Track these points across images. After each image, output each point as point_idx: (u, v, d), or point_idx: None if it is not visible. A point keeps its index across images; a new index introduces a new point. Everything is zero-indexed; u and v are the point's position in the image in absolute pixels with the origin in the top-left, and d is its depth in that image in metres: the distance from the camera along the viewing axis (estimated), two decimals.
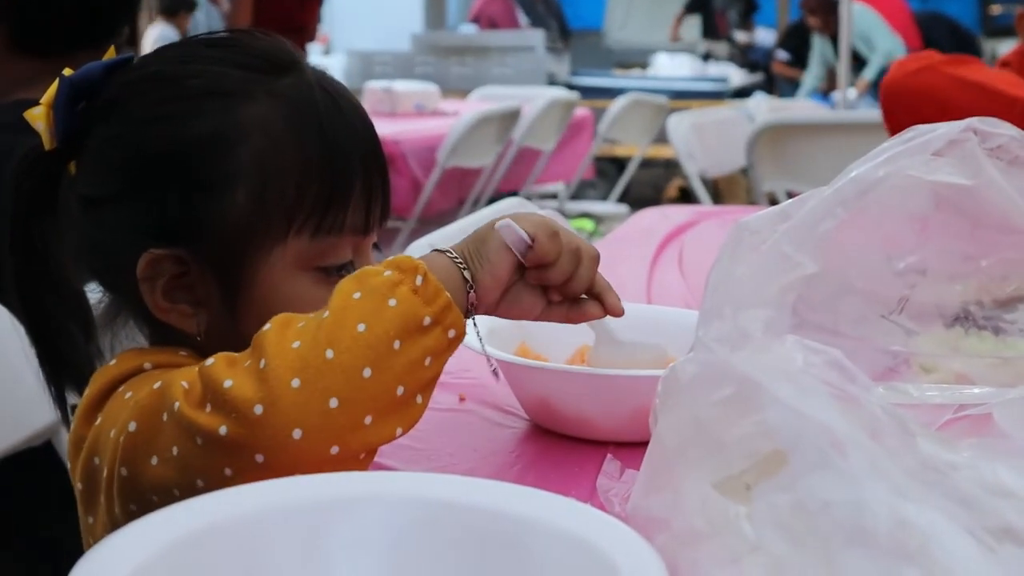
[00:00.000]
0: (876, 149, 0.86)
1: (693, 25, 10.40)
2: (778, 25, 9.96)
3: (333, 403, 0.74)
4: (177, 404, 0.76)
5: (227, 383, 0.74)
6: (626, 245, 2.02)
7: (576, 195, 5.83)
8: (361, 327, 0.76)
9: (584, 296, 0.93)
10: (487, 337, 1.03)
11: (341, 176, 0.89)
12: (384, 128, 2.16)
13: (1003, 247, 0.91)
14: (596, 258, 0.92)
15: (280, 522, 0.64)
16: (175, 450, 0.76)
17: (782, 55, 8.65)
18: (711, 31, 10.27)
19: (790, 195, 2.92)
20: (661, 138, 5.29)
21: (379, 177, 0.92)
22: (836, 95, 5.73)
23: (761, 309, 0.75)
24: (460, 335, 0.81)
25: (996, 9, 10.67)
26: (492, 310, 0.89)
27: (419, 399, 0.78)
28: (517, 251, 0.87)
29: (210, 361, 0.77)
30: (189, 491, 0.75)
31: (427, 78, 6.11)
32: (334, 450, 0.74)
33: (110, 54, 0.93)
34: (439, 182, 4.06)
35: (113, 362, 0.87)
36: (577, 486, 0.92)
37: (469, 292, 0.85)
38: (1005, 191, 0.86)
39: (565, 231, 0.90)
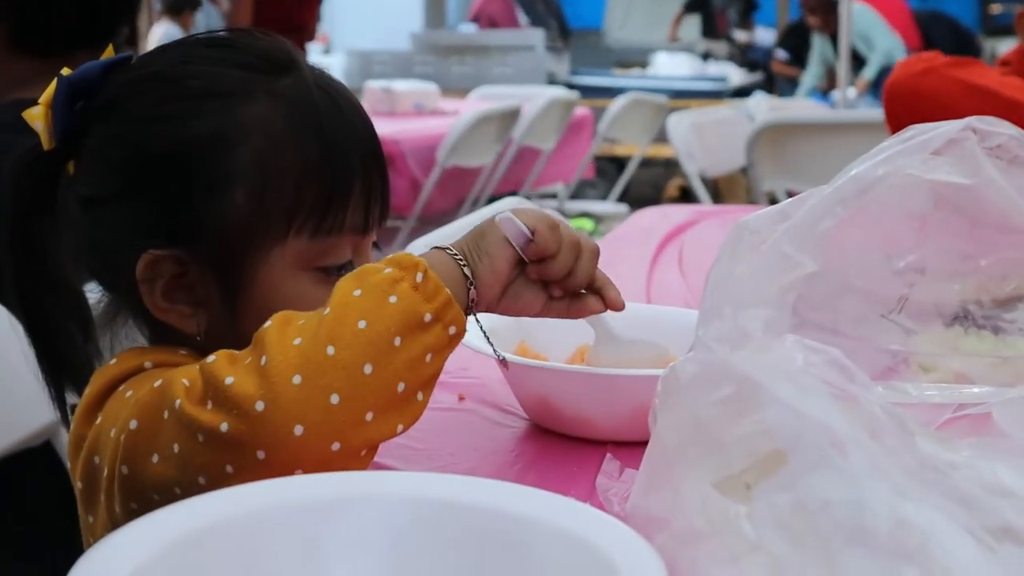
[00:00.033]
0: (875, 148, 0.86)
1: (693, 24, 10.40)
2: (778, 24, 9.96)
3: (334, 399, 0.74)
4: (178, 401, 0.76)
5: (228, 380, 0.74)
6: (626, 244, 2.02)
7: (576, 194, 5.83)
8: (362, 324, 0.76)
9: (584, 292, 0.93)
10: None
11: (340, 176, 0.89)
12: (384, 127, 2.16)
13: (1002, 246, 0.91)
14: (596, 252, 0.92)
15: (280, 522, 0.64)
16: (176, 447, 0.76)
17: (781, 54, 8.65)
18: (711, 30, 10.27)
19: (790, 194, 2.92)
20: (661, 137, 5.29)
21: (378, 177, 0.92)
22: (836, 94, 5.73)
23: (761, 308, 0.75)
24: (461, 332, 0.81)
25: (996, 8, 10.67)
26: (493, 306, 0.89)
27: (420, 396, 0.78)
28: (517, 245, 0.87)
29: (211, 358, 0.77)
30: (190, 489, 0.75)
31: (427, 77, 6.11)
32: (335, 446, 0.74)
33: (108, 53, 0.93)
34: (439, 181, 4.06)
35: (113, 361, 0.87)
36: (577, 485, 0.92)
37: (469, 289, 0.85)
38: (1004, 190, 0.86)
39: (564, 225, 0.90)
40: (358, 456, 0.76)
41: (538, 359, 1.09)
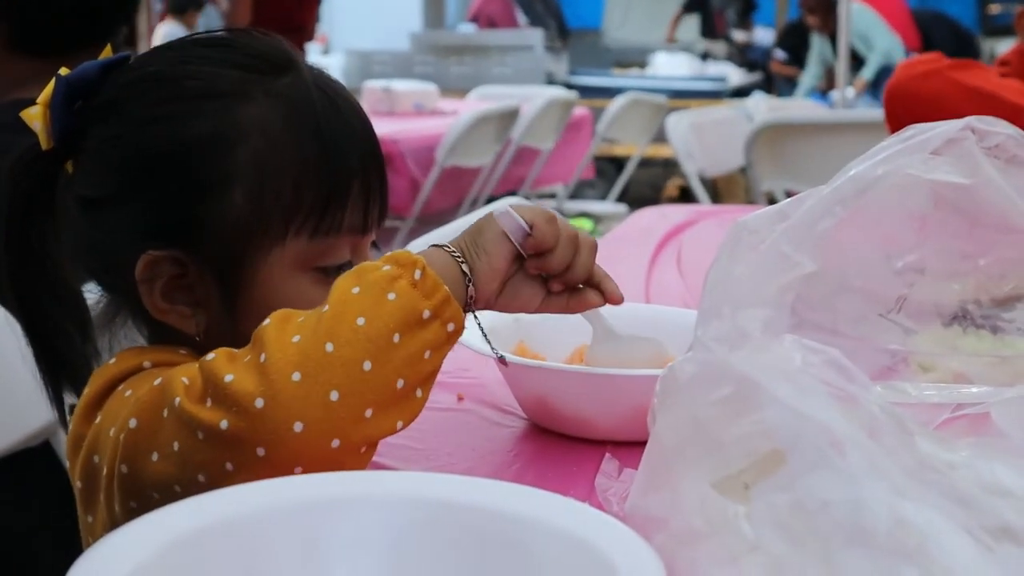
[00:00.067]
0: (874, 148, 0.86)
1: (692, 24, 10.40)
2: (776, 24, 9.96)
3: (334, 396, 0.74)
4: (178, 399, 0.76)
5: (228, 377, 0.74)
6: (625, 244, 2.02)
7: (575, 194, 5.83)
8: (361, 321, 0.76)
9: (582, 286, 0.93)
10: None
11: (339, 176, 0.89)
12: (383, 127, 2.16)
13: (1001, 246, 0.91)
14: (594, 246, 0.92)
15: (280, 522, 0.64)
16: (176, 445, 0.76)
17: (780, 54, 8.65)
18: (709, 30, 10.27)
19: (789, 194, 2.92)
20: (660, 137, 5.30)
21: (377, 177, 0.92)
22: (834, 94, 5.73)
23: (760, 308, 0.75)
24: (459, 329, 0.81)
25: (995, 8, 10.66)
26: (491, 303, 0.89)
27: (419, 392, 0.78)
28: (515, 239, 0.88)
29: (210, 356, 0.77)
30: (190, 487, 0.75)
31: (426, 77, 6.11)
32: (335, 443, 0.74)
33: (106, 53, 0.93)
34: (438, 181, 4.06)
35: (112, 361, 0.87)
36: (575, 485, 0.92)
37: (468, 286, 0.85)
38: (1003, 190, 0.86)
39: (562, 219, 0.91)
40: (358, 453, 0.76)
41: (537, 359, 1.09)
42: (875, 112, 3.38)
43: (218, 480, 0.74)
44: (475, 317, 0.88)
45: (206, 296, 0.89)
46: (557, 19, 9.26)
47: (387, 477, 0.76)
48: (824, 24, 7.39)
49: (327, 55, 9.73)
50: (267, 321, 0.77)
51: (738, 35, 10.20)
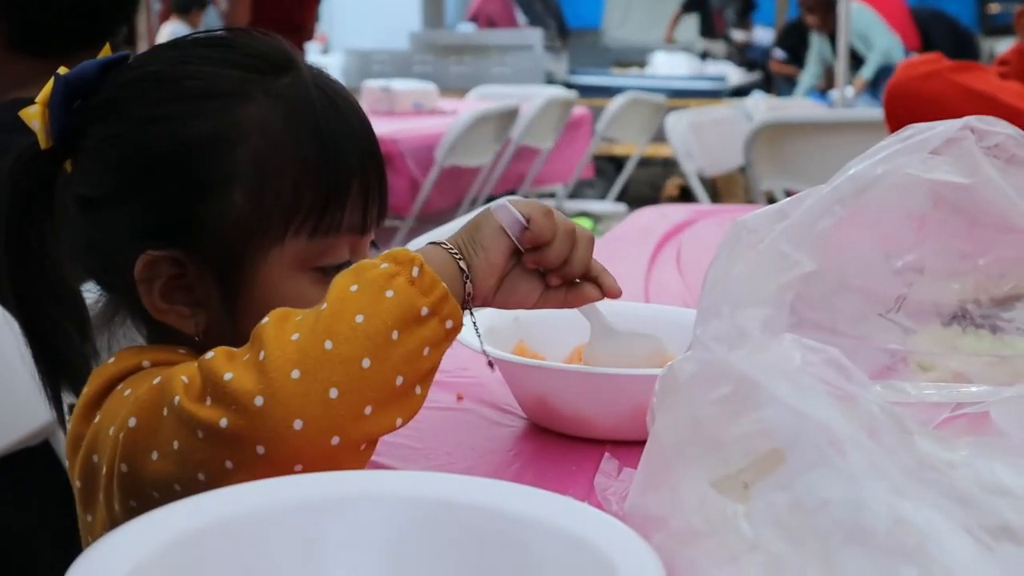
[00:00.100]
0: (874, 147, 0.86)
1: (691, 24, 10.40)
2: (776, 24, 9.96)
3: (333, 393, 0.74)
4: (177, 398, 0.76)
5: (227, 376, 0.74)
6: (624, 244, 2.03)
7: (574, 194, 5.83)
8: (359, 318, 0.76)
9: (580, 280, 0.93)
10: (486, 335, 1.03)
11: (338, 176, 0.89)
12: (382, 127, 2.16)
13: (1000, 245, 0.91)
14: (591, 240, 0.92)
15: (279, 521, 0.64)
16: (176, 444, 0.76)
17: (779, 54, 8.65)
18: (709, 30, 10.26)
19: (788, 193, 2.92)
20: (659, 137, 5.30)
21: (376, 177, 0.92)
22: (834, 94, 5.73)
23: (759, 308, 0.75)
24: (457, 326, 0.81)
25: (994, 7, 10.67)
26: (489, 299, 0.89)
27: (418, 389, 0.78)
28: (512, 233, 0.88)
29: (209, 355, 0.77)
30: (190, 485, 0.75)
31: (425, 77, 6.11)
32: (335, 441, 0.74)
33: (105, 52, 0.93)
34: (437, 181, 4.07)
35: (111, 360, 0.87)
36: (575, 484, 0.92)
37: (465, 282, 0.85)
38: (1002, 189, 0.86)
39: (559, 213, 0.91)
40: (357, 450, 0.76)
41: (536, 358, 1.09)
42: (874, 111, 3.38)
43: (218, 478, 0.74)
44: (471, 315, 0.88)
45: (205, 296, 0.89)
46: (556, 19, 9.26)
47: (386, 476, 0.76)
48: (823, 23, 7.39)
49: (326, 54, 9.72)
50: (266, 319, 0.77)
51: (737, 34, 10.20)
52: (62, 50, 1.54)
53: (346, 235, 0.90)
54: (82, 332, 0.94)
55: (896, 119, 2.26)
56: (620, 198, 6.08)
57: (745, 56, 9.77)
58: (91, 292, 0.95)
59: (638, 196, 6.34)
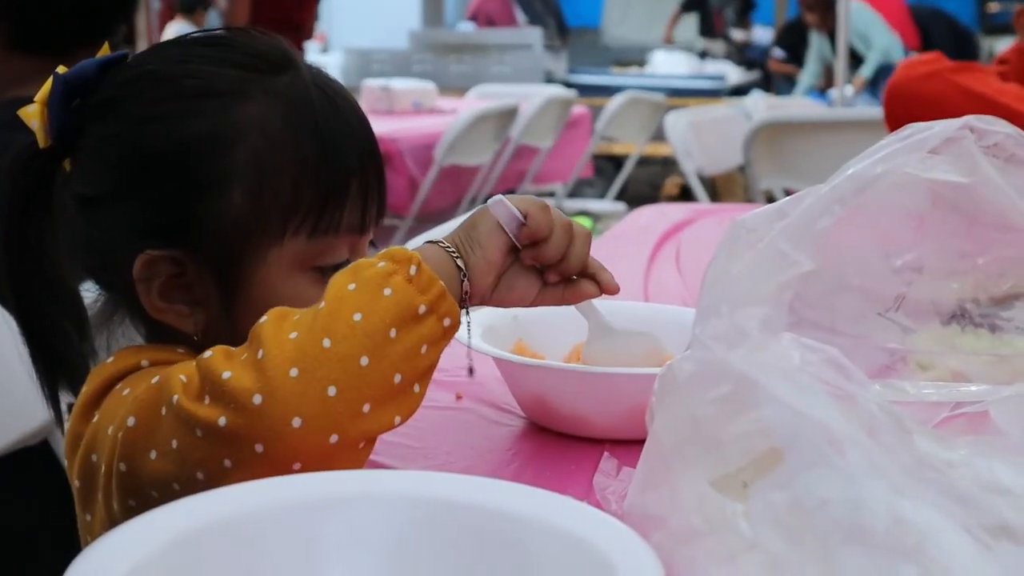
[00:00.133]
0: (873, 147, 0.86)
1: (690, 23, 10.40)
2: (775, 23, 9.95)
3: (331, 391, 0.74)
4: (176, 397, 0.76)
5: (225, 374, 0.74)
6: (623, 243, 2.03)
7: (574, 193, 5.83)
8: (357, 316, 0.76)
9: (577, 277, 0.93)
10: (485, 334, 1.03)
11: (337, 175, 0.89)
12: (381, 126, 2.16)
13: (999, 245, 0.91)
14: (588, 236, 0.93)
15: (278, 521, 0.64)
16: (174, 443, 0.76)
17: (779, 53, 8.64)
18: (708, 29, 10.26)
19: (787, 193, 2.92)
20: (658, 136, 5.30)
21: (376, 176, 0.92)
22: (833, 92, 5.73)
23: (758, 307, 0.75)
24: (455, 324, 0.81)
25: (994, 6, 10.67)
26: (487, 297, 0.89)
27: (416, 388, 0.78)
28: (510, 229, 0.88)
29: (208, 354, 0.77)
30: (189, 484, 0.75)
31: (425, 76, 6.10)
32: (333, 439, 0.74)
33: (104, 51, 0.93)
34: (436, 180, 4.06)
35: (110, 360, 0.87)
36: (574, 484, 0.92)
37: (463, 280, 0.85)
38: (1001, 189, 0.86)
39: (555, 208, 0.91)
40: (356, 448, 0.76)
41: (535, 357, 1.09)
42: (874, 110, 3.38)
43: (217, 477, 0.74)
44: (467, 320, 0.88)
45: (204, 295, 0.89)
46: (556, 18, 9.25)
47: (386, 476, 0.76)
48: (823, 22, 7.39)
49: (326, 54, 9.72)
50: (264, 318, 0.77)
51: (737, 34, 10.19)
52: (61, 49, 1.54)
53: (345, 235, 0.90)
54: (80, 331, 0.94)
55: (895, 119, 2.26)
56: (619, 197, 6.09)
57: (744, 55, 9.77)
58: (90, 291, 0.95)
59: (637, 195, 6.34)
